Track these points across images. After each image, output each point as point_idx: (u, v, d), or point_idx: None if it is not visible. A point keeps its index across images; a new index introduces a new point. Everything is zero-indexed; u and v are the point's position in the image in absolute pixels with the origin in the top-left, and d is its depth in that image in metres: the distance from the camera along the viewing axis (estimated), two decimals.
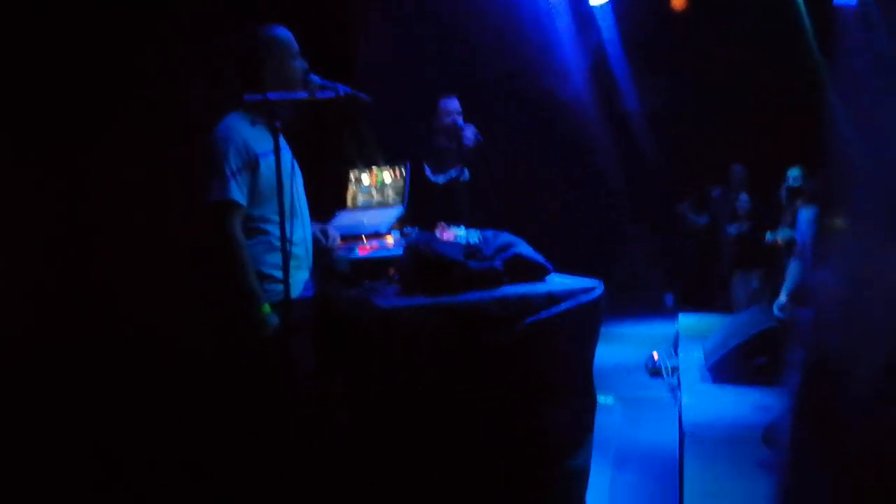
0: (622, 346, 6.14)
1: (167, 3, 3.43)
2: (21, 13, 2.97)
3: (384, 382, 2.32)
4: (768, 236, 5.56)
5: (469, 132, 4.13)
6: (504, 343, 2.30)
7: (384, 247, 2.97)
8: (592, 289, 2.46)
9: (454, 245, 2.51)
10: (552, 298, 2.38)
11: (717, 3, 6.63)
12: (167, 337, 3.21)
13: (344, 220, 3.51)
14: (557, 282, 2.55)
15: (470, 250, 2.50)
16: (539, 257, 2.58)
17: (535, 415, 2.34)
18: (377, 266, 2.84)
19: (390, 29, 5.25)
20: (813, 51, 6.17)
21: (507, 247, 2.57)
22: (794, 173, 5.50)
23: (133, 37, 3.24)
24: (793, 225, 5.44)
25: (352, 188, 3.83)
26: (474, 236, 2.60)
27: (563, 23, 6.28)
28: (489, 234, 2.65)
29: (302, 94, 2.63)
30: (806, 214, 4.59)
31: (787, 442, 1.71)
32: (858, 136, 1.51)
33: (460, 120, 4.18)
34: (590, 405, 2.56)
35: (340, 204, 3.77)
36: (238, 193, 2.45)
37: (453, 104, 4.23)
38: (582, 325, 2.43)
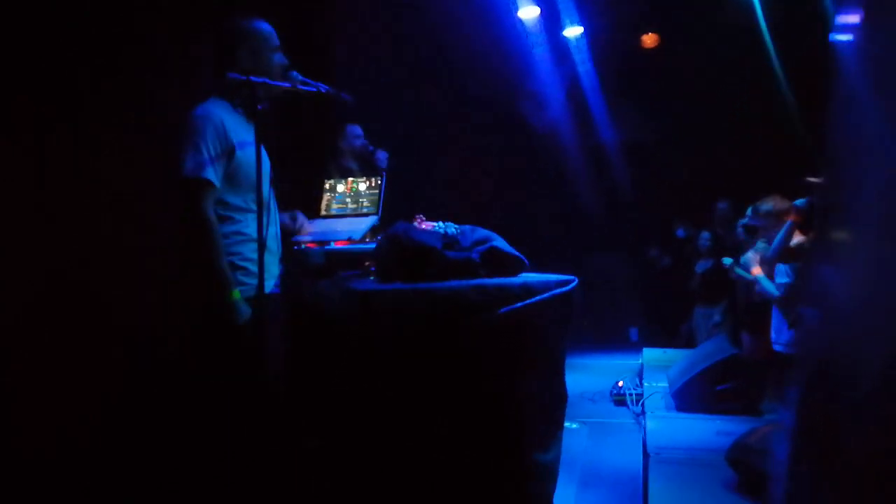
0: (587, 376, 6.16)
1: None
2: None
3: (361, 366, 2.29)
4: (724, 261, 5.62)
5: (382, 155, 4.36)
6: (480, 329, 2.29)
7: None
8: (568, 282, 2.48)
9: (432, 234, 2.53)
10: (528, 289, 2.39)
11: (690, 35, 6.86)
12: (138, 325, 3.12)
13: (317, 226, 3.51)
14: (533, 275, 2.57)
15: (448, 240, 2.52)
16: (515, 252, 2.60)
17: (508, 403, 2.33)
18: (352, 258, 2.83)
19: (372, 47, 5.35)
20: (782, 85, 6.40)
21: (484, 240, 2.59)
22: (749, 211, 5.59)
23: (106, 27, 3.22)
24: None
25: (326, 196, 3.81)
26: (452, 228, 2.62)
27: (540, 51, 6.47)
28: (467, 228, 2.67)
29: (284, 84, 2.65)
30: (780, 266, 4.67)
31: (785, 453, 1.71)
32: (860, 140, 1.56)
33: (368, 144, 4.42)
34: (560, 400, 2.56)
35: (313, 212, 3.76)
36: (213, 173, 2.39)
37: (358, 130, 4.47)
38: (556, 317, 2.45)
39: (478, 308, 2.32)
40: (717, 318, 6.38)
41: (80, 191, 3.05)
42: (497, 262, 2.55)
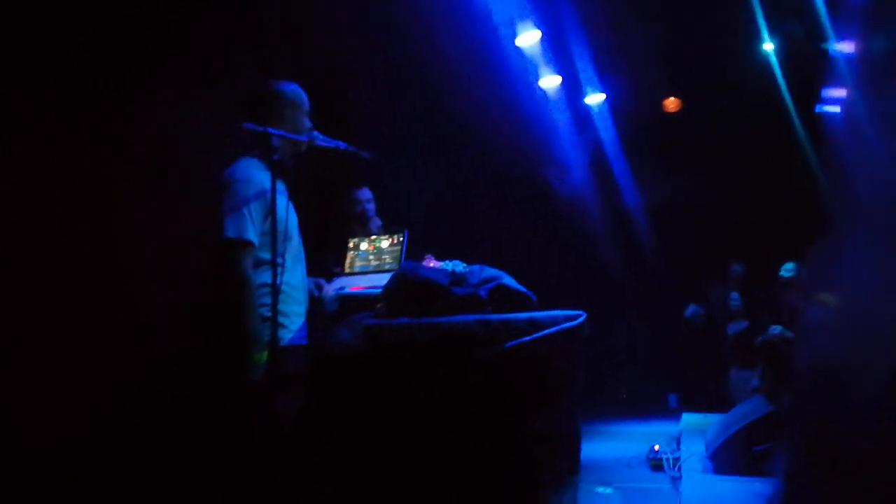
0: (624, 443, 5.94)
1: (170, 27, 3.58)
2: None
3: (369, 400, 2.29)
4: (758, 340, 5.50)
5: (376, 224, 4.34)
6: (486, 363, 2.29)
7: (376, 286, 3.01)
8: (576, 316, 2.47)
9: (440, 271, 2.56)
10: (534, 324, 2.39)
11: (712, 103, 6.96)
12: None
13: (340, 283, 3.58)
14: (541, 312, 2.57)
15: (455, 278, 2.55)
16: (523, 289, 2.61)
17: (518, 438, 2.29)
18: (365, 302, 2.86)
19: (397, 118, 5.55)
20: (805, 148, 6.41)
21: (492, 279, 2.61)
22: (787, 266, 5.55)
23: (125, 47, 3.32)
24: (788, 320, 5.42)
25: (350, 254, 3.91)
26: (460, 267, 2.65)
27: (562, 118, 6.61)
28: (476, 267, 2.70)
29: (302, 138, 2.76)
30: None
31: (785, 459, 1.67)
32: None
33: (371, 210, 4.39)
34: (574, 440, 2.49)
35: (338, 271, 3.85)
36: (253, 234, 2.45)
37: (365, 194, 4.43)
38: (565, 353, 2.42)
39: (483, 342, 2.32)
40: (754, 382, 6.16)
41: (81, 190, 3.09)
42: (505, 299, 2.56)
